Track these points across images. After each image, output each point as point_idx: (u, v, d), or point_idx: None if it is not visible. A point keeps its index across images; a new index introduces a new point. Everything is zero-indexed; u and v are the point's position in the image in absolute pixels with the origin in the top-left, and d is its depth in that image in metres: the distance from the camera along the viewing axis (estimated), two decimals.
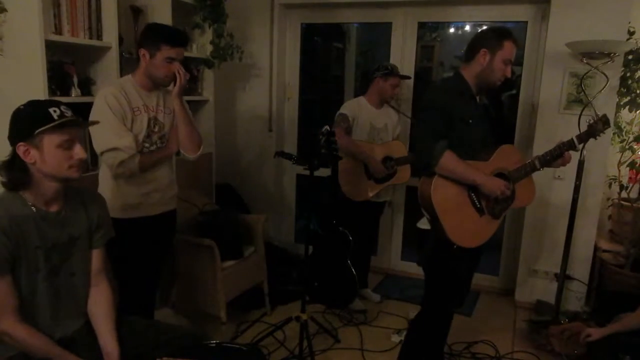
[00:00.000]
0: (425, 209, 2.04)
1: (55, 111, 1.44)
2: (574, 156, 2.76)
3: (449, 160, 1.94)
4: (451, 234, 1.97)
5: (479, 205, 2.04)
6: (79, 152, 1.49)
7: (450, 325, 2.34)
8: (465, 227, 2.01)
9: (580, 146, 2.15)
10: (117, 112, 2.03)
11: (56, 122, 1.43)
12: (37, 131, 1.42)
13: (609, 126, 2.21)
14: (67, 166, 1.49)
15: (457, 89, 2.06)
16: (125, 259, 2.16)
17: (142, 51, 2.08)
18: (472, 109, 2.06)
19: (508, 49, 2.02)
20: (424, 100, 2.12)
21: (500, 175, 2.07)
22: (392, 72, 3.07)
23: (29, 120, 1.44)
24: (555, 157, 2.13)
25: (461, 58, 2.72)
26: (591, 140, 2.73)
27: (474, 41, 2.10)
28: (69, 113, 1.48)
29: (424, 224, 2.14)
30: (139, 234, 2.18)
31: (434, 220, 2.00)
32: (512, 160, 2.12)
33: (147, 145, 2.15)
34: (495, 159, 2.07)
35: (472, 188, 2.01)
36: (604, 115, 2.19)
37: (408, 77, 3.35)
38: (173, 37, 2.08)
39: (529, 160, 2.13)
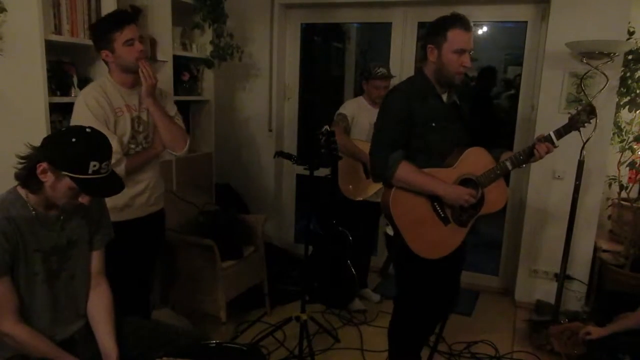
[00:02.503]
0: (387, 220, 1.96)
1: (94, 166, 1.42)
2: (575, 156, 2.79)
3: (404, 172, 1.85)
4: (413, 246, 1.91)
5: (443, 215, 1.95)
6: (84, 200, 1.49)
7: (433, 327, 2.30)
8: (429, 239, 1.94)
9: (559, 142, 1.98)
10: (99, 115, 1.96)
11: (82, 178, 1.42)
12: (64, 172, 1.41)
13: (595, 116, 2.02)
14: (67, 203, 1.50)
15: (419, 90, 1.95)
16: (116, 262, 2.12)
17: (103, 53, 2.02)
18: (436, 110, 1.95)
19: (454, 38, 1.86)
20: (383, 105, 1.99)
21: (467, 181, 1.97)
22: (369, 74, 3.07)
23: (67, 158, 1.41)
24: (530, 155, 1.98)
25: None
26: (591, 140, 2.75)
27: (422, 37, 1.99)
28: (104, 171, 1.46)
29: (390, 230, 2.04)
30: (128, 236, 2.05)
31: (396, 231, 1.93)
32: (480, 164, 1.99)
33: (132, 146, 2.09)
34: (461, 164, 1.95)
35: (435, 198, 1.92)
36: (590, 104, 2.01)
37: (391, 77, 3.15)
38: (116, 20, 1.99)
39: (500, 163, 1.99)
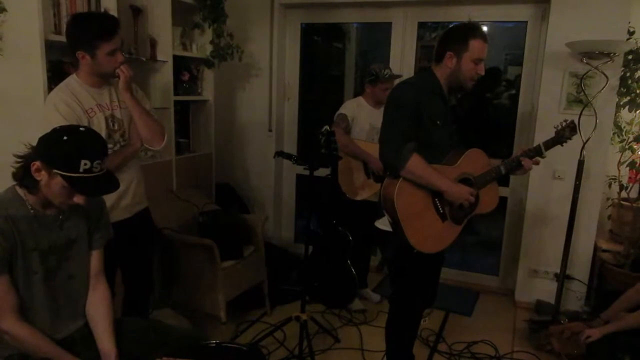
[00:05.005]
0: (387, 212, 1.97)
1: (85, 164, 1.41)
2: (575, 156, 2.79)
3: (416, 165, 1.87)
4: (412, 239, 1.93)
5: (441, 211, 1.99)
6: (79, 200, 1.49)
7: (419, 322, 2.32)
8: (427, 233, 1.97)
9: (547, 153, 2.08)
10: (72, 119, 1.89)
11: (73, 176, 1.41)
12: (55, 170, 1.41)
13: (576, 133, 2.12)
14: (62, 201, 1.49)
15: (429, 88, 2.00)
16: (112, 264, 2.08)
17: (80, 54, 1.92)
18: (441, 110, 2.01)
19: (475, 48, 1.93)
20: (393, 97, 2.00)
21: (465, 180, 2.02)
22: (377, 78, 3.05)
23: (57, 156, 1.41)
24: (518, 166, 2.07)
25: None
26: (591, 140, 2.77)
27: (440, 42, 2.02)
28: (96, 169, 1.44)
29: (383, 224, 2.05)
30: (120, 238, 1.93)
31: (395, 223, 1.93)
32: (478, 165, 2.06)
33: (110, 146, 2.00)
34: (462, 163, 2.01)
35: (436, 193, 1.95)
36: (572, 122, 2.11)
37: (398, 76, 3.17)
38: (105, 30, 1.91)
39: (495, 166, 2.07)
